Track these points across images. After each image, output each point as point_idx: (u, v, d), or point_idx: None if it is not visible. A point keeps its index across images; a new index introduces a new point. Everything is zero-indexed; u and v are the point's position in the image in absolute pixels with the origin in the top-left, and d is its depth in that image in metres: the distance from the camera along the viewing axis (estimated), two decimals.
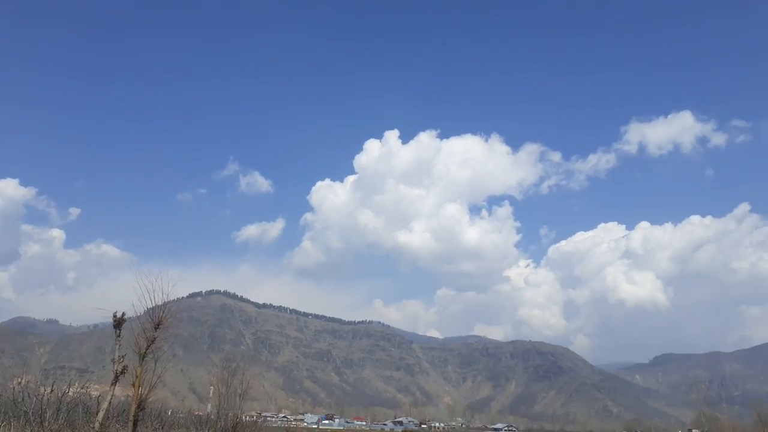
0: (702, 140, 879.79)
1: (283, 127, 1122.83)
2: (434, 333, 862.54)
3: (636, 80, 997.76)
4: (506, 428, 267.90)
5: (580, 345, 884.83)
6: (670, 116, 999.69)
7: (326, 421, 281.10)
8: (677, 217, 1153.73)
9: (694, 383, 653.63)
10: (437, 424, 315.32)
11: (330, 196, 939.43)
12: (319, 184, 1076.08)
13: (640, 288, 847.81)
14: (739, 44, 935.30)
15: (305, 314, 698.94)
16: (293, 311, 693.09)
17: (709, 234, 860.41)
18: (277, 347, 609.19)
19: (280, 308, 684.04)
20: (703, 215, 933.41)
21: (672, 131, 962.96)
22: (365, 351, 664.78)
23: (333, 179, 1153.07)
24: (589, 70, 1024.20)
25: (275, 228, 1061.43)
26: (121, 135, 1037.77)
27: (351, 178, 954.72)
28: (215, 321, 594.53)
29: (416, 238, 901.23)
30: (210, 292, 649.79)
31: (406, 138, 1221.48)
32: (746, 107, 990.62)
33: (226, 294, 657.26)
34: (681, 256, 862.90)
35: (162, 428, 44.62)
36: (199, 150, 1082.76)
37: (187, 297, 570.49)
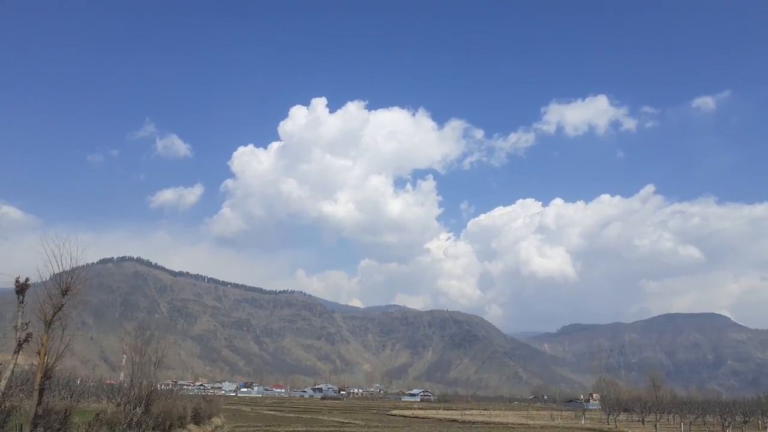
0: (615, 124, 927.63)
1: (205, 89, 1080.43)
2: (356, 303, 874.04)
3: (558, 63, 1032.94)
4: (422, 393, 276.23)
5: (494, 315, 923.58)
6: (587, 99, 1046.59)
7: (245, 389, 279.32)
8: (589, 195, 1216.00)
9: (597, 351, 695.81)
10: (356, 391, 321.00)
11: (253, 162, 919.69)
12: (241, 149, 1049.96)
13: (551, 261, 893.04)
14: (653, 36, 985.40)
15: (224, 283, 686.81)
16: (211, 280, 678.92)
17: (617, 212, 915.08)
18: (194, 316, 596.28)
19: (198, 276, 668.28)
20: (613, 194, 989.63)
21: (588, 114, 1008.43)
22: (286, 320, 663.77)
23: (256, 145, 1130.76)
24: (515, 50, 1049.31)
25: (193, 194, 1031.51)
26: (24, 88, 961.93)
27: (275, 145, 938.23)
28: (128, 288, 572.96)
29: (341, 208, 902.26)
30: (122, 259, 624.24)
31: (333, 107, 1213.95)
32: (656, 95, 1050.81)
33: (139, 261, 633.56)
34: (590, 233, 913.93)
35: (71, 397, 42.63)
36: (112, 109, 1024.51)
37: (98, 263, 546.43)
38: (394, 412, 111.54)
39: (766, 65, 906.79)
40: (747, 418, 73.18)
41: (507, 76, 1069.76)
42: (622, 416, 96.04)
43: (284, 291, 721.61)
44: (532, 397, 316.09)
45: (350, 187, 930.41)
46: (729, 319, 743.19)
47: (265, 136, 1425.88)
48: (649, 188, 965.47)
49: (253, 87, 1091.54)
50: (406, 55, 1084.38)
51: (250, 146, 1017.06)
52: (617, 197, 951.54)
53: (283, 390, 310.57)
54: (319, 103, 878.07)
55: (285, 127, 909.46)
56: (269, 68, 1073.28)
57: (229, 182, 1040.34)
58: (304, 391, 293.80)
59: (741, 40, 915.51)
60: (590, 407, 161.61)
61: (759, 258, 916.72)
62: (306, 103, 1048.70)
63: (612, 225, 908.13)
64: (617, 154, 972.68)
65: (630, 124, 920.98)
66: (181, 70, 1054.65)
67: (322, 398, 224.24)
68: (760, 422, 77.62)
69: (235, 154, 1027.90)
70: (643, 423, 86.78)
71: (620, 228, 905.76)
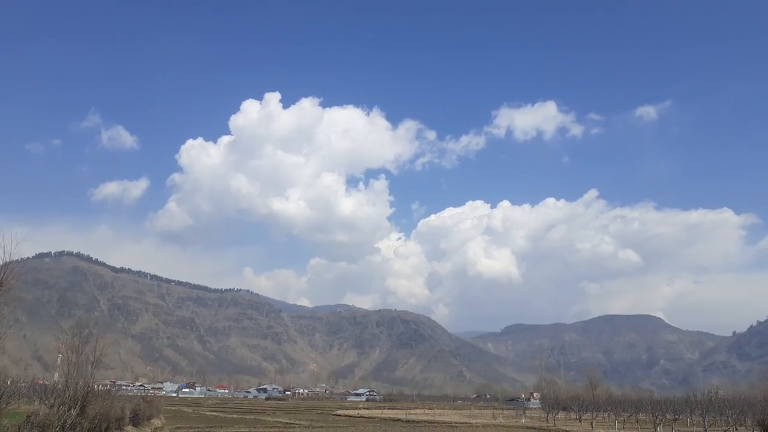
0: (562, 130, 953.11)
1: (154, 79, 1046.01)
2: (304, 302, 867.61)
3: (509, 68, 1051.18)
4: (368, 393, 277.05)
5: (441, 314, 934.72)
6: (536, 105, 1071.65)
7: (187, 390, 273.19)
8: (535, 198, 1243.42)
9: (538, 351, 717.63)
10: (301, 391, 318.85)
11: (202, 156, 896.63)
12: (190, 142, 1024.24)
13: (497, 263, 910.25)
14: (602, 45, 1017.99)
15: (168, 280, 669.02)
16: (154, 277, 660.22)
17: (561, 216, 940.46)
18: (136, 314, 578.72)
19: (140, 273, 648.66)
20: (558, 198, 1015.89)
21: (537, 119, 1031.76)
22: (232, 319, 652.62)
23: (206, 139, 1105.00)
24: (469, 53, 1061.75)
25: (138, 187, 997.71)
26: None
27: (226, 139, 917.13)
28: (65, 284, 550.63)
29: (291, 206, 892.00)
30: (60, 254, 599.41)
31: (287, 102, 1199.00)
32: (602, 103, 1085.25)
33: (78, 256, 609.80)
34: (535, 235, 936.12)
35: None
36: (54, 97, 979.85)
37: (34, 257, 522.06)
38: (339, 412, 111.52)
39: (705, 78, 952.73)
40: (677, 416, 76.75)
41: (460, 79, 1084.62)
42: (561, 415, 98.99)
43: (230, 289, 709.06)
44: (475, 396, 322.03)
45: (302, 185, 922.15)
46: (662, 320, 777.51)
47: (215, 129, 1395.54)
48: (593, 193, 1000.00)
49: (203, 79, 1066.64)
50: (361, 53, 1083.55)
51: (200, 140, 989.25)
52: (562, 201, 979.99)
53: (227, 390, 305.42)
54: (273, 98, 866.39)
55: (236, 121, 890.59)
56: (221, 60, 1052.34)
57: (176, 176, 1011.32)
58: (248, 392, 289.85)
59: (683, 52, 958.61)
60: (531, 406, 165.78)
61: (692, 262, 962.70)
62: (259, 97, 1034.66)
63: (556, 228, 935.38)
64: (563, 159, 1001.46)
65: (576, 130, 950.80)
66: (129, 60, 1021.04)
67: (267, 399, 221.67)
68: (688, 420, 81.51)
69: (183, 147, 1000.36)
70: (580, 421, 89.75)
71: (564, 231, 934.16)
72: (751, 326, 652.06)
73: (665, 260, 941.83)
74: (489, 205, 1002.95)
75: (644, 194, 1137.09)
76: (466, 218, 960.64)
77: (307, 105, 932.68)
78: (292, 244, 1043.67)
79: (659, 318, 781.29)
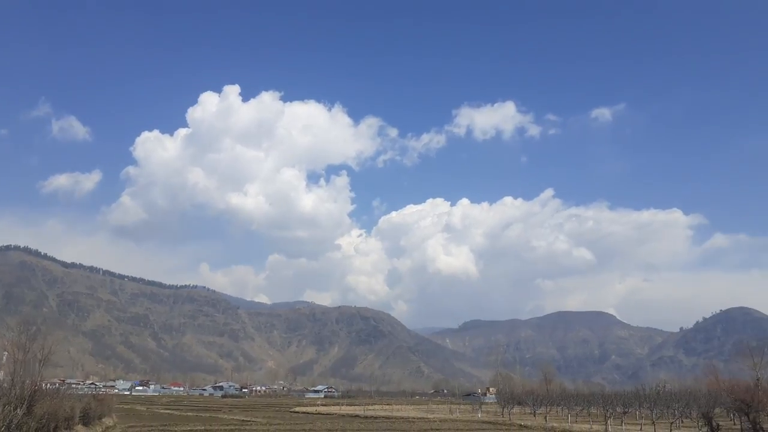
0: (520, 130, 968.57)
1: (108, 68, 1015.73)
2: (263, 298, 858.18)
3: (470, 67, 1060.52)
4: (326, 390, 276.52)
5: (400, 311, 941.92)
6: (496, 105, 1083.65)
7: (140, 387, 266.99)
8: (493, 197, 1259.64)
9: (495, 347, 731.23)
10: (259, 388, 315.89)
11: (157, 149, 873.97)
12: (145, 135, 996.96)
13: (456, 260, 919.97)
14: (560, 47, 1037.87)
15: (121, 276, 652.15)
16: (107, 272, 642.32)
17: (518, 214, 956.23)
18: (87, 311, 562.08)
19: (92, 269, 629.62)
20: (515, 197, 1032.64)
21: (496, 119, 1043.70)
22: (187, 316, 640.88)
23: (162, 131, 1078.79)
24: (431, 52, 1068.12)
25: (90, 180, 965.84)
26: None
27: (182, 132, 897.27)
28: (12, 280, 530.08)
29: (250, 201, 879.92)
30: (7, 248, 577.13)
31: (247, 96, 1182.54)
32: (559, 104, 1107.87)
33: (26, 250, 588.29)
34: (493, 233, 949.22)
35: None
36: (2, 85, 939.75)
37: None
38: (297, 409, 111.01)
39: (657, 82, 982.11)
40: (626, 409, 79.27)
41: (422, 78, 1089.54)
42: (516, 409, 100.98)
43: (186, 286, 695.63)
44: (432, 391, 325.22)
45: (261, 180, 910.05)
46: (614, 317, 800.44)
47: (172, 122, 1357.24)
48: (549, 192, 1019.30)
49: (160, 70, 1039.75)
50: (324, 48, 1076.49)
51: (155, 132, 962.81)
52: (519, 200, 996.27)
53: (182, 388, 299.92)
54: (232, 90, 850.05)
55: (194, 113, 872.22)
56: (179, 51, 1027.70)
57: (130, 169, 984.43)
58: (204, 389, 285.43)
59: (637, 57, 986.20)
60: (487, 401, 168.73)
61: (642, 261, 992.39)
62: (218, 89, 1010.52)
63: (513, 226, 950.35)
64: (521, 159, 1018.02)
65: (534, 130, 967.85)
66: (83, 47, 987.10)
67: (223, 396, 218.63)
68: (637, 413, 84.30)
69: (138, 139, 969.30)
70: (534, 415, 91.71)
71: (520, 229, 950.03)
72: (697, 322, 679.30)
73: (617, 258, 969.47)
74: (449, 202, 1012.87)
75: (598, 194, 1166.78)
76: (426, 215, 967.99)
77: (268, 99, 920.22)
78: (251, 240, 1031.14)
79: (611, 314, 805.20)
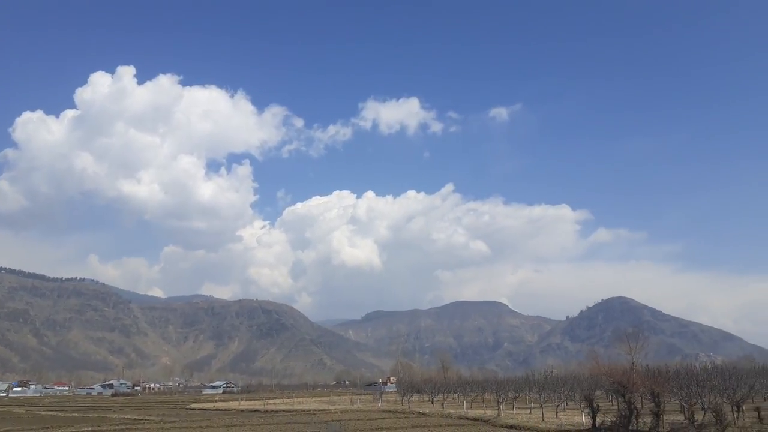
0: (424, 126, 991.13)
1: None
2: (157, 292, 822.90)
3: (377, 61, 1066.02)
4: (224, 385, 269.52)
5: (304, 303, 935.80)
6: (401, 100, 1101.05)
7: (18, 388, 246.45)
8: (397, 190, 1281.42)
9: (396, 337, 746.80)
10: (152, 386, 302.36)
11: (41, 131, 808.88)
12: (27, 115, 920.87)
13: (361, 251, 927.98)
14: (463, 46, 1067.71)
15: None
16: None
17: (420, 207, 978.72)
18: None
19: None
20: (418, 191, 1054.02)
21: (401, 114, 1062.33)
22: (73, 311, 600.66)
23: (46, 112, 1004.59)
24: (338, 43, 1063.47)
25: None
26: None
27: (70, 113, 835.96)
28: None
29: (143, 189, 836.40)
30: None
31: (143, 78, 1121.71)
32: (460, 102, 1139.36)
33: None
34: (396, 225, 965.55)
35: None
36: None
37: None
38: (193, 405, 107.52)
39: (550, 84, 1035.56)
40: (517, 394, 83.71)
41: (329, 69, 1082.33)
42: (415, 397, 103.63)
43: (72, 279, 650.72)
44: (334, 382, 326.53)
45: (156, 167, 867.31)
46: (507, 306, 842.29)
47: (57, 102, 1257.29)
48: (449, 187, 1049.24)
49: (45, 45, 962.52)
50: (227, 33, 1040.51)
51: (39, 112, 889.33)
52: (422, 193, 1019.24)
53: (67, 388, 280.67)
54: (127, 72, 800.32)
55: (83, 94, 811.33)
56: (66, 26, 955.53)
57: (9, 152, 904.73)
58: (92, 388, 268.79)
59: (533, 58, 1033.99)
60: (387, 390, 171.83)
61: (533, 253, 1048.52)
62: (110, 70, 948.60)
63: (415, 219, 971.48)
64: (424, 154, 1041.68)
65: (436, 127, 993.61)
66: None
67: (113, 395, 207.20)
68: (527, 397, 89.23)
69: (18, 120, 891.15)
70: (432, 402, 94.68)
71: (422, 222, 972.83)
72: (581, 311, 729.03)
73: (510, 250, 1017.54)
74: (355, 195, 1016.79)
75: (494, 189, 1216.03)
76: (332, 207, 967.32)
77: (166, 82, 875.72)
78: (144, 231, 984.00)
79: (504, 304, 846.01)
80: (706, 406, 46.58)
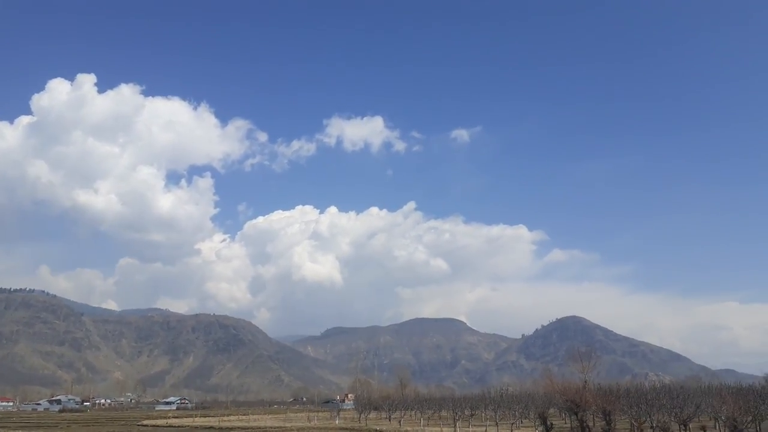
0: (387, 144, 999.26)
1: None
2: (111, 305, 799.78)
3: (343, 79, 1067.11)
4: (178, 402, 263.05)
5: (263, 319, 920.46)
6: (365, 118, 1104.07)
7: None
8: (360, 206, 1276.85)
9: (355, 353, 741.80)
10: (103, 402, 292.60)
11: None
12: None
13: (322, 267, 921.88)
14: (428, 68, 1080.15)
15: None
16: None
17: (382, 224, 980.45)
18: None
19: None
20: (381, 208, 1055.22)
21: (365, 132, 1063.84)
22: (20, 323, 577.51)
23: (0, 117, 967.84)
24: (303, 60, 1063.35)
25: None
26: None
27: (25, 120, 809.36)
28: None
29: (100, 200, 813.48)
30: None
31: (104, 86, 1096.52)
32: (423, 123, 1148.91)
33: None
34: (359, 241, 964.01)
35: None
36: None
37: None
38: (145, 422, 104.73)
39: (510, 108, 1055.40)
40: (473, 412, 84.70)
41: (295, 85, 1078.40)
42: (373, 414, 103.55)
43: (20, 290, 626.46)
44: (292, 399, 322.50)
45: (115, 177, 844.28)
46: (465, 323, 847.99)
47: (12, 108, 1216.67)
48: (411, 205, 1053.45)
49: (1, 48, 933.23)
50: (191, 44, 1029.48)
51: None
52: (384, 210, 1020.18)
53: (11, 403, 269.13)
54: (87, 80, 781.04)
55: (40, 101, 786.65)
56: (24, 31, 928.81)
57: None
58: (39, 404, 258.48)
59: (495, 83, 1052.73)
60: (345, 407, 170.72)
61: (491, 272, 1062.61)
62: (70, 77, 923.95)
63: (378, 236, 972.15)
64: (387, 172, 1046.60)
65: (400, 146, 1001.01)
66: None
67: (61, 411, 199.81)
68: (483, 414, 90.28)
69: None
70: (389, 420, 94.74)
71: (384, 239, 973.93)
72: (536, 330, 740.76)
73: (469, 269, 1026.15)
74: (318, 210, 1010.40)
75: (455, 208, 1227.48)
76: (294, 222, 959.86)
77: (127, 92, 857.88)
78: (100, 242, 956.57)
79: (462, 321, 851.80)
80: (654, 425, 48.21)
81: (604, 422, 50.65)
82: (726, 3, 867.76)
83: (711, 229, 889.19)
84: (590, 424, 53.85)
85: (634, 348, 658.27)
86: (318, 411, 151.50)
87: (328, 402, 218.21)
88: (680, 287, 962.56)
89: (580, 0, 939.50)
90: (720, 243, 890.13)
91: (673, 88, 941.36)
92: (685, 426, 49.81)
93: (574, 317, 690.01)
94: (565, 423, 74.79)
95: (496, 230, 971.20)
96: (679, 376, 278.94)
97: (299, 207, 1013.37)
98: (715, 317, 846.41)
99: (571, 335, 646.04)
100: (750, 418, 50.50)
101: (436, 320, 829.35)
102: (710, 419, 64.37)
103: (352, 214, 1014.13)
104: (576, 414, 52.69)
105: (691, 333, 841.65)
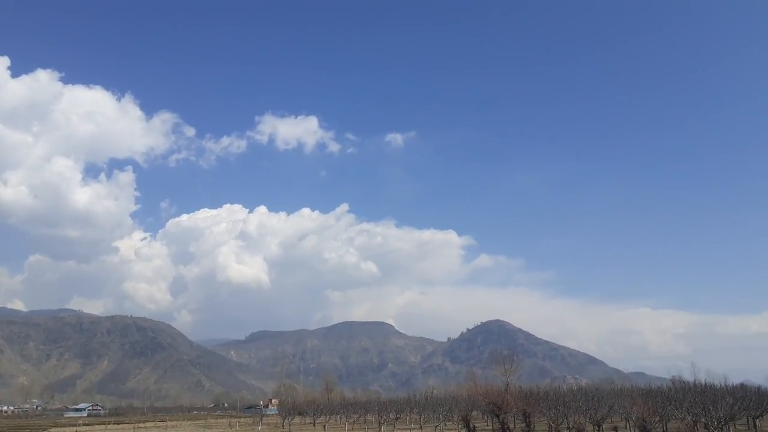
0: (321, 145, 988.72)
1: None
2: (18, 305, 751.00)
3: (277, 76, 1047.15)
4: (90, 408, 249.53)
5: (184, 321, 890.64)
6: (299, 117, 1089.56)
7: None
8: (291, 207, 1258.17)
9: (281, 357, 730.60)
10: (5, 408, 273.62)
11: None
12: None
13: (248, 268, 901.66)
14: (365, 69, 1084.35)
15: None
16: None
17: (314, 226, 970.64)
18: None
19: None
20: (313, 209, 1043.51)
21: (299, 131, 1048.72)
22: None
23: None
24: (237, 54, 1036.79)
25: None
26: None
27: None
28: None
29: (9, 191, 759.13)
30: None
31: (18, 71, 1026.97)
32: (359, 125, 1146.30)
33: None
34: (288, 243, 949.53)
35: None
36: None
37: None
38: (53, 430, 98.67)
39: (444, 113, 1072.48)
40: (398, 415, 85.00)
41: (226, 79, 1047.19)
42: (297, 419, 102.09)
43: None
44: (212, 405, 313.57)
45: (26, 168, 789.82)
46: (393, 327, 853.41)
47: None
48: (344, 207, 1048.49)
49: None
50: (117, 32, 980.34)
51: None
52: (316, 212, 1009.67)
53: None
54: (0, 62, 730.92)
55: None
56: None
57: None
58: None
59: (429, 87, 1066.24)
60: (269, 412, 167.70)
61: (421, 275, 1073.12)
62: None
63: (308, 237, 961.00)
64: (321, 173, 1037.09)
65: (334, 147, 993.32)
66: None
67: None
68: (408, 417, 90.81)
69: None
70: (314, 425, 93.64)
71: (315, 241, 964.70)
72: (462, 333, 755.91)
73: (399, 272, 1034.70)
74: (247, 209, 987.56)
75: (387, 212, 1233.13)
76: (221, 221, 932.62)
77: (44, 77, 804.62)
78: (7, 237, 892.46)
79: (390, 324, 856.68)
80: (570, 426, 49.95)
81: (524, 424, 52.02)
82: (651, 7, 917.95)
83: (626, 236, 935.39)
84: (511, 426, 55.18)
85: (553, 351, 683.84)
86: (240, 417, 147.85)
87: (250, 407, 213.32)
88: (597, 293, 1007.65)
89: (515, 2, 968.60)
90: (635, 250, 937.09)
91: (606, 94, 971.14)
92: (598, 426, 51.91)
93: (498, 321, 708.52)
94: (488, 425, 76.34)
95: (427, 234, 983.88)
96: (595, 378, 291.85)
97: (227, 206, 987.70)
98: (628, 322, 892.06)
99: (495, 339, 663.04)
100: (657, 419, 53.31)
101: (364, 324, 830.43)
102: (622, 420, 67.46)
103: (283, 214, 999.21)
104: (498, 416, 53.83)
105: (606, 337, 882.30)
